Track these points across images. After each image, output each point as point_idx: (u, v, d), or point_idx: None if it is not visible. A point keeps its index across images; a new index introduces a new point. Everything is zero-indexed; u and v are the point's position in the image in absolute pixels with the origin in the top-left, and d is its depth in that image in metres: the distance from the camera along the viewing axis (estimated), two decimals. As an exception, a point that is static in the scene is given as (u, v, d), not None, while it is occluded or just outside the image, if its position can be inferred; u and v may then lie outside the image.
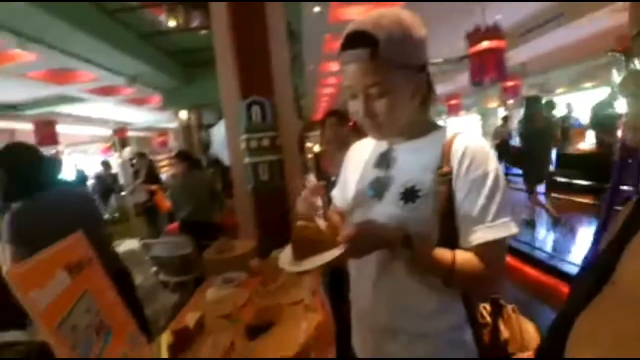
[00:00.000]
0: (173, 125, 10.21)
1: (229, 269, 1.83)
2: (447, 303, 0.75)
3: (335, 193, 1.00)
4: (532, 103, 4.39)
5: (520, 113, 10.49)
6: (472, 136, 0.76)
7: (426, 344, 0.75)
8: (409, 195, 0.74)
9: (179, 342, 1.13)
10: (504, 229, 0.69)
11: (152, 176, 6.05)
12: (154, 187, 5.73)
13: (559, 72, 9.92)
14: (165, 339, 1.13)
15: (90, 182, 7.59)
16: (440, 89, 0.88)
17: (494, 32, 4.74)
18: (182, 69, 7.53)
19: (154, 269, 3.15)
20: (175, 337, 1.13)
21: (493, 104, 12.12)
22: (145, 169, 6.12)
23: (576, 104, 8.68)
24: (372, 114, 0.74)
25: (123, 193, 6.80)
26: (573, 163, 5.73)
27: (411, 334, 0.76)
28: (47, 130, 7.11)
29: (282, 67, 2.53)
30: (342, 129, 2.32)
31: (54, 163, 1.88)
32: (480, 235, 0.69)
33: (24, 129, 8.25)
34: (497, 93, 10.44)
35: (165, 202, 5.55)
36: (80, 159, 10.56)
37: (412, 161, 0.78)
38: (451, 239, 0.73)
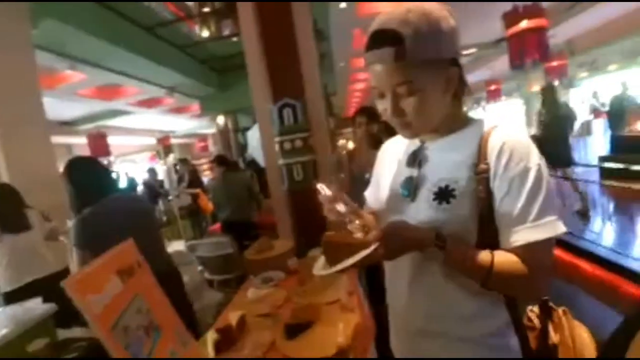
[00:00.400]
0: (212, 130, 10.65)
1: (268, 268, 1.88)
2: (488, 306, 0.71)
3: (367, 193, 0.99)
4: (547, 92, 4.48)
5: (568, 94, 9.73)
6: (510, 129, 0.71)
7: (466, 348, 0.72)
8: (443, 195, 0.71)
9: (223, 340, 1.19)
10: (549, 228, 0.64)
11: (195, 180, 6.36)
12: (196, 190, 6.02)
13: (609, 48, 9.01)
14: (210, 337, 1.19)
15: (139, 189, 8.12)
16: (477, 75, 0.83)
17: (533, 10, 4.41)
18: (218, 77, 7.83)
19: (200, 268, 3.32)
20: (220, 335, 1.19)
21: (537, 86, 11.33)
22: (188, 174, 6.45)
23: (632, 81, 7.90)
24: (401, 113, 0.71)
25: (169, 197, 7.22)
26: (630, 147, 5.21)
27: (449, 338, 0.73)
28: (99, 143, 7.70)
29: (311, 68, 2.55)
30: (373, 127, 2.30)
31: (112, 172, 2.04)
32: (522, 236, 0.65)
33: (79, 143, 9.02)
34: (542, 75, 9.74)
35: (207, 204, 5.83)
36: (129, 168, 11.32)
37: (446, 159, 0.74)
38: (491, 242, 0.69)
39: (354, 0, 4.85)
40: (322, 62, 5.57)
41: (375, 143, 2.27)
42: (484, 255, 0.66)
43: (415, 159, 0.79)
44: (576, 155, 6.23)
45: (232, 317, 1.29)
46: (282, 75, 2.42)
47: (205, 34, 4.82)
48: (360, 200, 0.95)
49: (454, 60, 0.71)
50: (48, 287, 1.85)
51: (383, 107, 0.73)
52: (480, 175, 0.69)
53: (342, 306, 1.35)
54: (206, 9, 4.44)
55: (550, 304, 0.78)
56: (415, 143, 0.81)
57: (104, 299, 0.68)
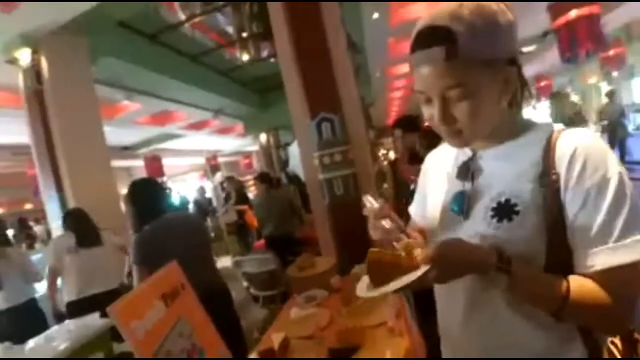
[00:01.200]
0: (255, 147, 11.04)
1: (310, 286, 1.85)
2: (560, 341, 0.61)
3: (412, 209, 0.88)
4: (553, 99, 4.17)
5: (630, 84, 8.74)
6: (582, 132, 0.61)
7: None
8: (504, 211, 0.61)
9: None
10: (635, 249, 0.53)
11: (241, 197, 6.58)
12: (244, 207, 6.22)
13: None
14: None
15: (190, 206, 8.59)
16: (525, 71, 0.72)
17: (582, -1, 4.06)
18: (259, 97, 8.17)
19: (245, 284, 3.38)
20: (262, 358, 1.17)
21: (593, 78, 10.34)
22: (234, 192, 6.69)
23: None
24: (451, 120, 0.61)
25: (217, 214, 7.52)
26: None
27: None
28: (154, 165, 8.30)
29: (347, 81, 2.54)
30: (410, 139, 2.22)
31: (168, 191, 2.19)
32: (603, 259, 0.54)
33: (137, 166, 9.80)
34: (597, 66, 8.88)
35: (253, 220, 5.98)
36: (180, 187, 12.03)
37: (504, 169, 0.64)
38: (562, 265, 0.58)
39: (386, 0, 4.77)
40: (358, 74, 5.56)
41: (413, 158, 2.19)
42: (557, 281, 0.56)
43: (467, 170, 0.69)
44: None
45: (274, 338, 1.27)
46: (318, 91, 2.43)
47: (245, 57, 5.05)
48: (405, 214, 0.89)
49: (512, 59, 0.62)
50: (107, 301, 2.02)
51: (429, 112, 0.64)
52: (548, 187, 0.58)
53: (389, 329, 1.27)
54: (244, 34, 4.64)
55: (637, 335, 0.66)
56: (466, 152, 0.71)
57: (146, 324, 0.69)
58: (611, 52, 7.26)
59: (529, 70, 10.15)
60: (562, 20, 4.13)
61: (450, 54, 0.56)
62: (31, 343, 1.89)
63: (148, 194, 1.86)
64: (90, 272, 2.62)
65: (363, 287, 0.69)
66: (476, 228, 0.64)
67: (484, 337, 0.65)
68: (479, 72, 0.58)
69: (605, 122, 6.84)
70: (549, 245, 0.59)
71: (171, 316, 0.81)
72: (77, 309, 2.45)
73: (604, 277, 0.55)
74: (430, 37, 0.58)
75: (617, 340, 0.66)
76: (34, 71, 3.45)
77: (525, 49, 7.92)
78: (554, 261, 0.59)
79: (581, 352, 0.61)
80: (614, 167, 0.56)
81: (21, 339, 1.99)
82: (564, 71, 10.77)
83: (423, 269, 0.58)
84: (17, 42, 3.38)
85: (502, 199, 0.62)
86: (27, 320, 2.59)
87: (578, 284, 0.56)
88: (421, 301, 1.97)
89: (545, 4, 4.37)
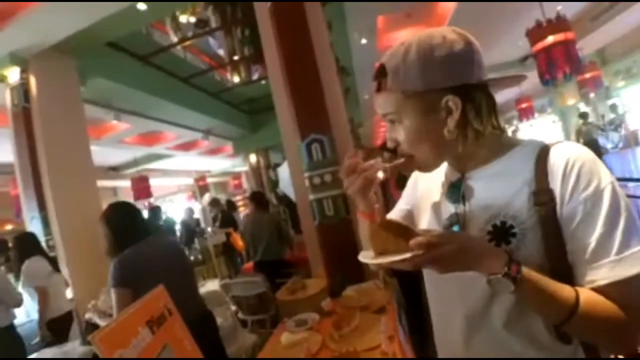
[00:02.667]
0: (245, 168, 11.00)
1: (301, 309, 1.81)
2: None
3: (392, 215, 0.86)
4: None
5: (604, 105, 9.15)
6: (571, 145, 0.61)
7: None
8: (500, 234, 0.60)
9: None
10: (636, 262, 0.53)
11: (227, 219, 6.50)
12: (228, 229, 6.14)
13: (643, 53, 8.47)
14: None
15: (177, 227, 8.39)
16: (505, 94, 0.75)
17: (558, 24, 4.30)
18: (249, 118, 8.23)
19: (233, 308, 3.28)
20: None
21: (571, 100, 10.84)
22: (219, 213, 6.61)
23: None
24: (395, 142, 0.69)
25: (205, 236, 7.39)
26: None
27: None
28: (141, 185, 8.13)
29: (336, 103, 2.59)
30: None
31: (151, 214, 2.15)
32: (607, 272, 0.53)
33: (123, 186, 9.62)
34: (575, 88, 9.34)
35: (239, 242, 5.91)
36: (168, 207, 11.82)
37: (495, 189, 0.63)
38: (565, 281, 0.56)
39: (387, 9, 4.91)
40: (347, 96, 5.69)
41: (401, 181, 2.21)
42: (567, 290, 0.54)
43: (457, 192, 0.68)
44: (624, 169, 5.74)
45: (265, 365, 1.23)
46: (308, 112, 2.46)
47: (236, 79, 5.13)
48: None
49: (458, 87, 0.61)
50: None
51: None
52: (544, 205, 0.57)
53: (382, 353, 1.24)
54: (236, 57, 4.73)
55: None
56: (453, 174, 0.71)
57: (131, 353, 0.66)
58: (587, 75, 7.64)
59: (510, 93, 10.55)
60: (540, 45, 4.36)
61: (379, 87, 0.66)
62: (8, 373, 1.78)
63: (125, 217, 1.79)
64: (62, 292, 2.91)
65: (364, 254, 0.65)
66: None
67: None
68: (410, 102, 0.63)
69: (582, 142, 7.17)
70: (550, 262, 0.58)
71: (157, 343, 0.77)
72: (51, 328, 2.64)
73: (611, 291, 0.54)
74: (376, 72, 0.67)
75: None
76: (22, 90, 3.42)
77: (505, 74, 8.28)
78: (556, 277, 0.57)
79: None
80: (606, 177, 0.56)
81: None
82: (543, 93, 11.22)
83: (406, 254, 0.54)
84: (6, 60, 3.36)
85: (498, 222, 0.61)
86: (7, 346, 2.47)
87: (587, 295, 0.54)
88: (414, 324, 1.94)
89: (523, 30, 4.61)
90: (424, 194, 0.79)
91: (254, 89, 6.44)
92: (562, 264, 0.57)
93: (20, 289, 2.72)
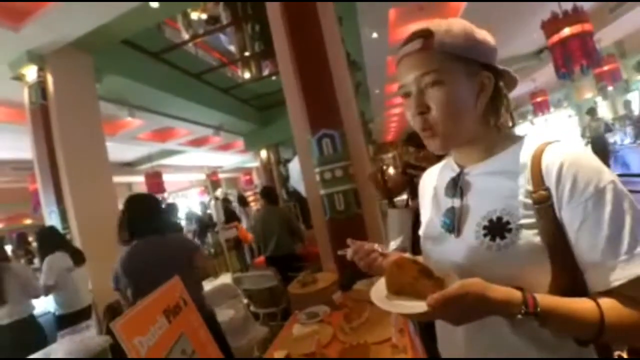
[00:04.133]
0: (256, 164, 11.08)
1: (312, 302, 1.83)
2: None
3: (420, 231, 0.86)
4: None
5: (622, 99, 8.91)
6: (566, 144, 0.60)
7: None
8: (496, 229, 0.59)
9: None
10: None
11: (230, 215, 6.59)
12: (234, 224, 6.23)
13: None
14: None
15: (184, 222, 8.52)
16: (520, 88, 0.75)
17: (574, 15, 4.17)
18: (259, 114, 8.26)
19: (245, 301, 3.33)
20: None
21: (588, 94, 10.55)
22: (222, 209, 6.72)
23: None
24: (425, 108, 0.63)
25: (216, 230, 7.50)
26: None
27: None
28: (155, 181, 8.29)
29: (347, 98, 2.59)
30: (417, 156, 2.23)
31: (168, 210, 2.19)
32: (620, 273, 0.52)
33: (137, 181, 9.80)
34: (592, 81, 9.08)
35: (246, 235, 6.00)
36: (181, 202, 12.00)
37: (493, 185, 0.63)
38: (567, 282, 0.56)
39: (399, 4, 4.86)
40: (357, 91, 5.66)
41: (407, 168, 2.20)
42: (588, 306, 0.53)
43: (456, 186, 0.68)
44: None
45: (276, 356, 1.25)
46: (319, 107, 2.47)
47: (247, 75, 5.15)
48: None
49: (488, 66, 0.65)
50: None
51: (409, 111, 0.66)
52: (541, 204, 0.57)
53: (392, 346, 1.25)
54: (247, 53, 4.75)
55: None
56: (454, 169, 0.72)
57: (149, 340, 0.69)
58: (605, 68, 7.42)
59: (525, 87, 10.33)
60: (555, 38, 4.24)
61: (425, 45, 0.62)
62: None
63: (143, 209, 1.87)
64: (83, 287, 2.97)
65: (377, 293, 0.64)
66: (468, 246, 0.63)
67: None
68: (453, 64, 0.62)
69: (589, 138, 7.02)
70: (552, 264, 0.56)
71: (174, 332, 0.80)
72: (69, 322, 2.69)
73: (624, 291, 0.53)
74: (412, 36, 0.65)
75: (624, 354, 0.64)
76: (39, 87, 3.50)
77: (520, 66, 8.11)
78: (560, 279, 0.56)
79: None
80: (606, 176, 0.55)
81: (21, 355, 1.95)
82: (559, 87, 10.95)
83: (423, 307, 0.53)
84: (24, 59, 3.44)
85: (494, 217, 0.61)
86: (29, 335, 2.57)
87: (610, 305, 0.53)
88: (425, 322, 1.94)
89: (537, 23, 4.50)
90: (428, 194, 0.80)
91: (264, 85, 6.45)
92: (564, 265, 0.57)
93: (40, 281, 2.82)
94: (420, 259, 0.77)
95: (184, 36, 4.86)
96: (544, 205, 0.57)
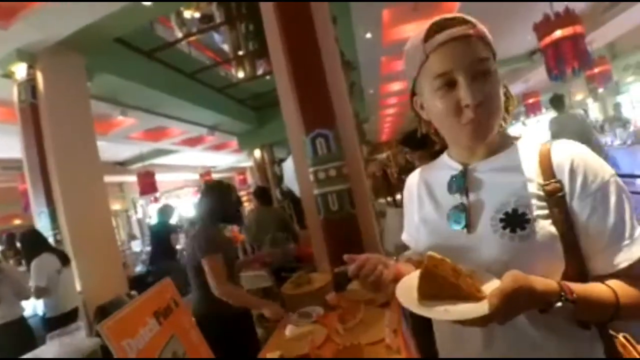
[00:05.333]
0: (250, 163, 11.04)
1: (306, 303, 1.82)
2: (584, 347, 0.61)
3: (404, 237, 0.85)
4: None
5: (613, 100, 9.06)
6: (570, 144, 0.65)
7: None
8: (514, 221, 0.61)
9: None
10: None
11: None
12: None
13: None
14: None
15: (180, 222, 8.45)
16: (513, 89, 0.75)
17: (566, 17, 4.22)
18: (254, 113, 8.23)
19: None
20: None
21: (580, 95, 10.73)
22: None
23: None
24: (479, 95, 0.60)
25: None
26: None
27: None
28: (147, 180, 8.21)
29: (341, 98, 2.58)
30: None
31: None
32: (625, 255, 0.58)
33: (129, 181, 9.71)
34: (584, 83, 9.23)
35: (238, 236, 5.96)
36: (174, 203, 11.91)
37: (503, 181, 0.65)
38: (578, 269, 0.60)
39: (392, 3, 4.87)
40: (352, 91, 5.66)
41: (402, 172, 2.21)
42: (604, 289, 0.58)
43: (461, 183, 0.69)
44: (633, 166, 5.68)
45: (269, 357, 1.24)
46: (313, 107, 2.46)
47: (241, 74, 5.12)
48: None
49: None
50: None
51: (449, 101, 0.62)
52: (553, 196, 0.61)
53: (387, 347, 1.25)
54: (241, 52, 4.72)
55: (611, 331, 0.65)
56: (453, 167, 0.72)
57: (138, 342, 0.67)
58: (596, 70, 7.51)
59: (517, 88, 10.43)
60: (548, 39, 4.29)
61: (475, 32, 0.61)
62: (19, 361, 1.82)
63: (229, 197, 2.09)
64: (70, 289, 2.96)
65: (409, 296, 0.58)
66: (487, 240, 0.63)
67: (508, 352, 0.63)
68: (491, 57, 0.63)
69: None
70: (566, 253, 0.60)
71: (164, 334, 0.79)
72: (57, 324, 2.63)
73: (629, 271, 0.58)
74: (452, 20, 0.62)
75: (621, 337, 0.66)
76: (29, 85, 3.44)
77: (513, 67, 8.20)
78: (571, 267, 0.60)
79: (599, 352, 0.62)
80: (609, 171, 0.61)
81: (11, 356, 1.92)
82: (551, 88, 11.09)
83: (484, 309, 0.51)
84: (14, 56, 3.38)
85: (509, 209, 0.62)
86: (19, 337, 2.54)
87: (619, 285, 0.58)
88: (418, 318, 1.94)
89: (531, 24, 4.54)
90: (421, 195, 0.78)
91: (258, 84, 6.43)
92: (574, 253, 0.60)
93: (31, 283, 2.77)
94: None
95: (177, 35, 4.82)
96: (556, 196, 0.61)
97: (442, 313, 0.53)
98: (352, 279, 0.74)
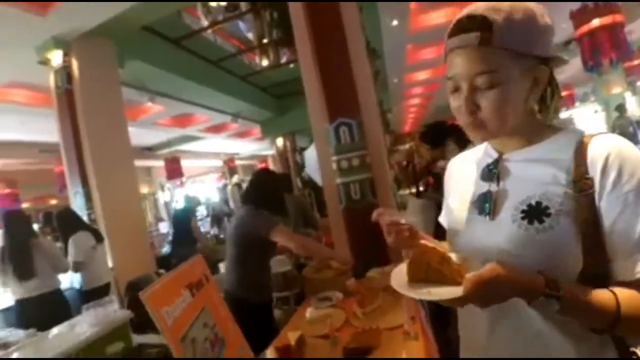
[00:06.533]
0: (272, 151, 11.17)
1: (326, 288, 1.87)
2: (592, 349, 0.59)
3: (442, 219, 0.87)
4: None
5: None
6: (613, 137, 0.60)
7: None
8: (535, 212, 0.60)
9: (282, 358, 1.19)
10: None
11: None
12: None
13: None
14: (270, 354, 1.20)
15: (200, 207, 8.69)
16: None
17: (605, 6, 3.97)
18: (276, 102, 8.28)
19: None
20: (278, 354, 1.19)
21: (617, 89, 10.07)
22: (238, 197, 6.85)
23: None
24: (476, 108, 0.61)
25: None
26: None
27: None
28: (174, 166, 8.48)
29: (365, 87, 2.57)
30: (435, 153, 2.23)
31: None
32: None
33: (157, 166, 10.04)
34: (622, 76, 8.66)
35: None
36: (199, 188, 12.25)
37: (533, 172, 0.63)
38: (597, 271, 0.57)
39: (412, 0, 4.77)
40: (376, 80, 5.59)
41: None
42: (605, 295, 0.54)
43: (493, 171, 0.69)
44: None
45: (291, 336, 1.29)
46: (337, 96, 2.46)
47: (265, 62, 5.14)
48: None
49: (546, 59, 0.62)
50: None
51: (456, 103, 0.64)
52: (582, 193, 0.57)
53: (404, 332, 1.27)
54: (265, 40, 4.74)
55: None
56: (492, 155, 0.71)
57: (174, 311, 0.73)
58: (636, 62, 7.05)
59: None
60: (584, 29, 4.05)
61: (484, 40, 0.58)
62: (55, 330, 1.97)
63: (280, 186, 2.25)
64: (104, 264, 3.17)
65: (398, 280, 0.65)
66: (505, 229, 0.63)
67: (512, 346, 0.64)
68: (511, 63, 0.59)
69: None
70: (585, 252, 0.57)
71: (196, 305, 0.84)
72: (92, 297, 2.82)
73: None
74: (467, 23, 0.60)
75: (638, 351, 0.64)
76: (65, 72, 3.61)
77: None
78: (590, 268, 0.57)
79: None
80: None
81: (47, 327, 2.08)
82: (586, 81, 10.50)
83: (459, 292, 0.55)
84: (50, 44, 3.54)
85: (533, 202, 0.61)
86: (54, 308, 2.73)
87: (627, 297, 0.54)
88: (436, 309, 1.96)
89: (567, 12, 4.30)
90: (458, 179, 0.80)
91: (282, 73, 6.44)
92: (596, 254, 0.57)
93: (69, 259, 2.97)
94: (445, 245, 0.78)
95: (204, 23, 4.88)
96: (585, 193, 0.57)
97: (425, 294, 0.59)
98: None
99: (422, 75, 8.08)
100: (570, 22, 4.33)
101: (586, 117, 11.20)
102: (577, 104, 10.77)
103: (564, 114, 11.11)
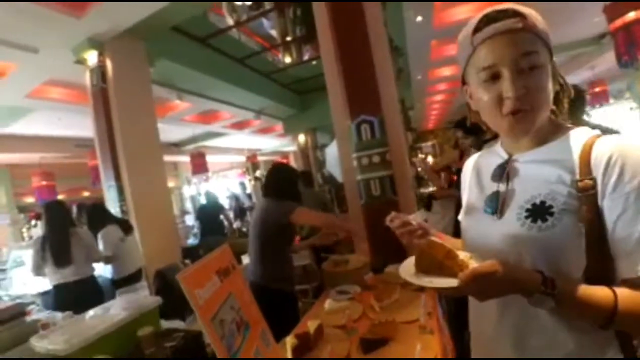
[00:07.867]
0: (293, 148, 11.29)
1: (344, 281, 1.92)
2: (596, 342, 0.61)
3: (460, 217, 0.89)
4: None
5: None
6: (619, 138, 0.61)
7: None
8: (539, 212, 0.62)
9: (301, 345, 1.25)
10: None
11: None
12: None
13: None
14: (289, 341, 1.26)
15: (227, 201, 8.93)
16: (577, 76, 0.75)
17: (641, -1, 3.77)
18: (299, 98, 8.37)
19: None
20: (298, 341, 1.25)
21: (655, 84, 9.48)
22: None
23: None
24: (522, 90, 0.61)
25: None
26: None
27: None
28: (199, 161, 8.73)
29: (388, 84, 2.58)
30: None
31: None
32: None
33: (183, 161, 10.38)
34: (659, 70, 8.13)
35: None
36: (223, 183, 12.55)
37: (540, 172, 0.66)
38: (599, 270, 0.59)
39: (432, 0, 4.72)
40: (399, 77, 5.54)
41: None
42: (603, 293, 0.56)
43: (502, 172, 0.72)
44: None
45: (310, 325, 1.35)
46: (359, 93, 2.49)
47: (288, 60, 5.22)
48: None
49: (551, 54, 0.66)
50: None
51: (493, 93, 0.64)
52: (585, 192, 0.59)
53: (420, 327, 1.30)
54: (288, 38, 4.80)
55: None
56: (502, 156, 0.74)
57: (206, 293, 0.80)
58: (676, 56, 6.61)
59: (583, 75, 9.51)
60: (619, 22, 3.86)
61: (525, 25, 0.62)
62: (91, 312, 2.12)
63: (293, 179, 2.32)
64: (135, 252, 3.36)
65: (406, 269, 0.71)
66: (509, 227, 0.66)
67: (518, 336, 0.66)
68: (543, 50, 0.63)
69: None
70: (588, 250, 0.59)
71: (224, 290, 0.91)
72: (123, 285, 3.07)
73: None
74: (502, 13, 0.63)
75: None
76: (99, 71, 3.81)
77: (577, 52, 7.48)
78: (593, 266, 0.59)
79: (614, 352, 0.61)
80: None
81: (82, 311, 2.24)
82: (621, 76, 9.95)
83: (455, 282, 0.59)
84: (86, 44, 3.74)
85: (537, 201, 0.64)
86: (89, 293, 2.90)
87: (626, 295, 0.56)
88: (455, 309, 1.97)
89: (600, 5, 4.11)
90: (471, 180, 0.83)
91: (304, 70, 6.51)
92: (600, 253, 0.59)
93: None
94: (458, 242, 0.83)
95: (229, 21, 5.00)
96: (587, 193, 0.59)
97: (427, 282, 0.64)
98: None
99: (446, 72, 7.92)
100: (603, 15, 4.13)
101: (621, 114, 10.62)
102: (611, 100, 10.22)
103: (597, 111, 10.63)
